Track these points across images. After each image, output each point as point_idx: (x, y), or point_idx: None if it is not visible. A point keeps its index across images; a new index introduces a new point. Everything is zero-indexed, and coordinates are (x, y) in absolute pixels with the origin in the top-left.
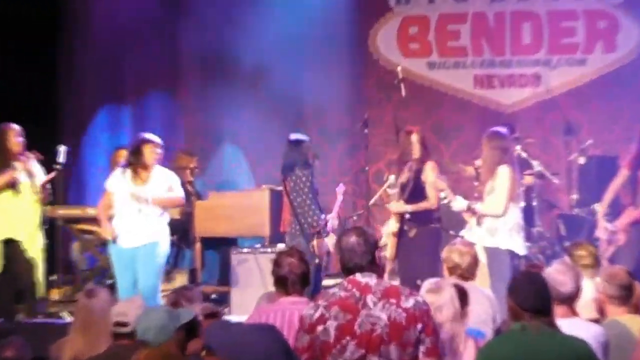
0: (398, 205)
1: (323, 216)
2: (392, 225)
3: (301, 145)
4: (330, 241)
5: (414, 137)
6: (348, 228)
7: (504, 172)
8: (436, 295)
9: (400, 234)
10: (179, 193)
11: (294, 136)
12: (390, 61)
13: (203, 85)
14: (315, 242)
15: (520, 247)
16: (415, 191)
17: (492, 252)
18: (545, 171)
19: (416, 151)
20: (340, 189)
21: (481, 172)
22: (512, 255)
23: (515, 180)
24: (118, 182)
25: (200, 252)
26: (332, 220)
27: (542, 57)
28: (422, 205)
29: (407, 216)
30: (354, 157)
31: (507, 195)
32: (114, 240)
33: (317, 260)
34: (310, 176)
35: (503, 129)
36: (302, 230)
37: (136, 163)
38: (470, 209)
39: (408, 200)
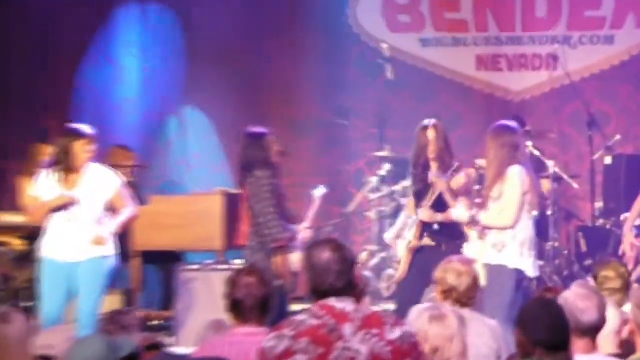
0: (428, 214)
1: (292, 227)
2: (411, 237)
3: (262, 139)
4: (294, 259)
5: (431, 133)
6: (320, 241)
7: (515, 175)
8: (442, 324)
9: (419, 250)
10: (127, 201)
11: (254, 128)
12: (374, 37)
13: None
14: (278, 259)
15: (531, 266)
16: (439, 198)
17: (494, 271)
18: (562, 173)
19: (434, 150)
20: (319, 192)
21: (486, 175)
22: (521, 276)
23: (529, 185)
24: (44, 187)
25: (138, 269)
26: (304, 231)
27: (560, 34)
28: (497, 221)
29: (436, 227)
30: (329, 155)
31: (518, 203)
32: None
33: (280, 281)
34: (273, 178)
35: (512, 122)
36: (263, 244)
37: (64, 164)
38: (472, 220)
39: (434, 209)
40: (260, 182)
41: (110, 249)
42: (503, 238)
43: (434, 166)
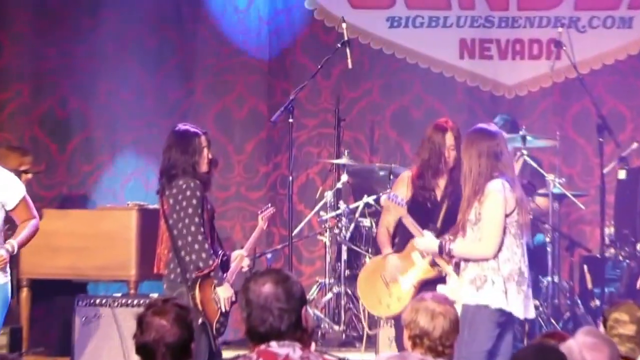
0: (430, 241)
1: (220, 252)
2: (421, 270)
3: (191, 140)
4: (224, 293)
5: (449, 137)
6: (260, 272)
7: (494, 191)
8: None
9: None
10: (31, 213)
11: (182, 126)
12: (330, 14)
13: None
14: (202, 293)
15: (519, 306)
16: (451, 219)
17: (472, 313)
18: (565, 190)
19: (453, 158)
20: (266, 213)
21: (463, 192)
22: (506, 318)
23: (515, 203)
24: None
25: (27, 302)
26: (239, 259)
27: (565, 14)
28: (475, 250)
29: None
30: (271, 161)
31: (499, 227)
32: None
33: (201, 320)
34: (198, 190)
35: (492, 125)
36: (182, 274)
37: None
38: (442, 250)
39: (443, 233)
40: (181, 194)
41: (4, 275)
42: (483, 271)
43: (442, 181)
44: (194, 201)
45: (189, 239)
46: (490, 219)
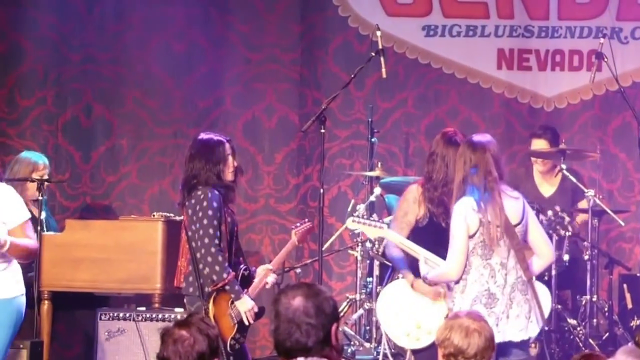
0: (422, 267)
1: (242, 266)
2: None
3: (214, 148)
4: (243, 306)
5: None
6: (292, 285)
7: (455, 212)
8: None
9: None
10: (29, 236)
11: (206, 134)
12: (365, 22)
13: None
14: (211, 307)
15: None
16: None
17: None
18: (604, 206)
19: None
20: (301, 228)
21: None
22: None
23: (479, 224)
24: None
25: (48, 315)
26: (264, 274)
27: (606, 24)
28: (440, 273)
29: None
30: (302, 172)
31: (459, 248)
32: None
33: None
34: (215, 200)
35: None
36: (200, 287)
37: None
38: (424, 279)
39: None
40: (199, 204)
41: (17, 288)
42: (454, 294)
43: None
44: (210, 212)
45: (202, 251)
46: (452, 240)
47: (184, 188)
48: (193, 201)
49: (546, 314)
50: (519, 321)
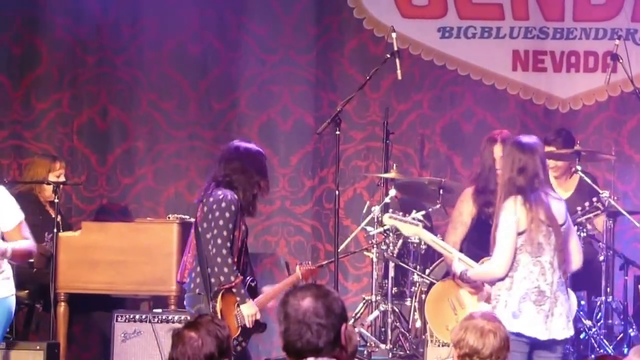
0: (457, 266)
1: (248, 278)
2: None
3: (255, 159)
4: (247, 310)
5: (498, 149)
6: (299, 286)
7: (505, 210)
8: None
9: None
10: (26, 236)
11: (245, 144)
12: (380, 24)
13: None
14: (219, 304)
15: (538, 326)
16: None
17: None
18: (619, 207)
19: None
20: (309, 266)
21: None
22: (531, 340)
23: (531, 219)
24: None
25: (64, 317)
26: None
27: (622, 26)
28: (486, 271)
29: None
30: (317, 174)
31: (508, 246)
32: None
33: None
34: (234, 204)
35: (526, 137)
36: (203, 285)
37: None
38: (463, 276)
39: None
40: (217, 204)
41: (8, 288)
42: (498, 291)
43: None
44: (227, 214)
45: (214, 251)
46: (500, 238)
47: (210, 185)
48: (212, 199)
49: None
50: (562, 319)
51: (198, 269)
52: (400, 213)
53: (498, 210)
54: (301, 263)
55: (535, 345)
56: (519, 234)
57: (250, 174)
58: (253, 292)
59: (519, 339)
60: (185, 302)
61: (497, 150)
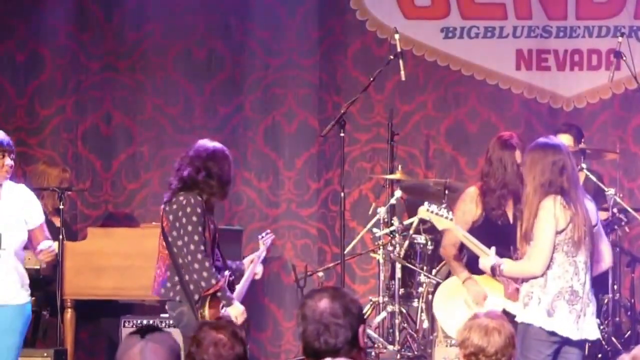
0: (487, 262)
1: (227, 273)
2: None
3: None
4: (234, 311)
5: (519, 155)
6: (318, 288)
7: (544, 209)
8: None
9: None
10: (46, 232)
11: (206, 142)
12: (383, 25)
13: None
14: (207, 311)
15: (570, 325)
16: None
17: (521, 330)
18: (625, 205)
19: (521, 176)
20: (267, 238)
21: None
22: (562, 338)
23: (569, 219)
24: None
25: (72, 323)
26: (251, 265)
27: (624, 23)
28: (522, 268)
29: None
30: (322, 177)
31: (547, 245)
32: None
33: None
34: (198, 206)
35: (552, 139)
36: (184, 292)
37: None
38: (494, 270)
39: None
40: (182, 210)
41: (27, 294)
42: (532, 288)
43: (509, 199)
44: (194, 218)
45: (189, 258)
46: (538, 237)
47: (173, 190)
48: (175, 207)
49: None
50: (593, 319)
51: (176, 278)
52: (436, 206)
53: (534, 210)
54: (261, 236)
55: (565, 343)
56: (558, 232)
57: (211, 175)
58: (231, 286)
59: (552, 338)
60: (167, 309)
61: (518, 155)
